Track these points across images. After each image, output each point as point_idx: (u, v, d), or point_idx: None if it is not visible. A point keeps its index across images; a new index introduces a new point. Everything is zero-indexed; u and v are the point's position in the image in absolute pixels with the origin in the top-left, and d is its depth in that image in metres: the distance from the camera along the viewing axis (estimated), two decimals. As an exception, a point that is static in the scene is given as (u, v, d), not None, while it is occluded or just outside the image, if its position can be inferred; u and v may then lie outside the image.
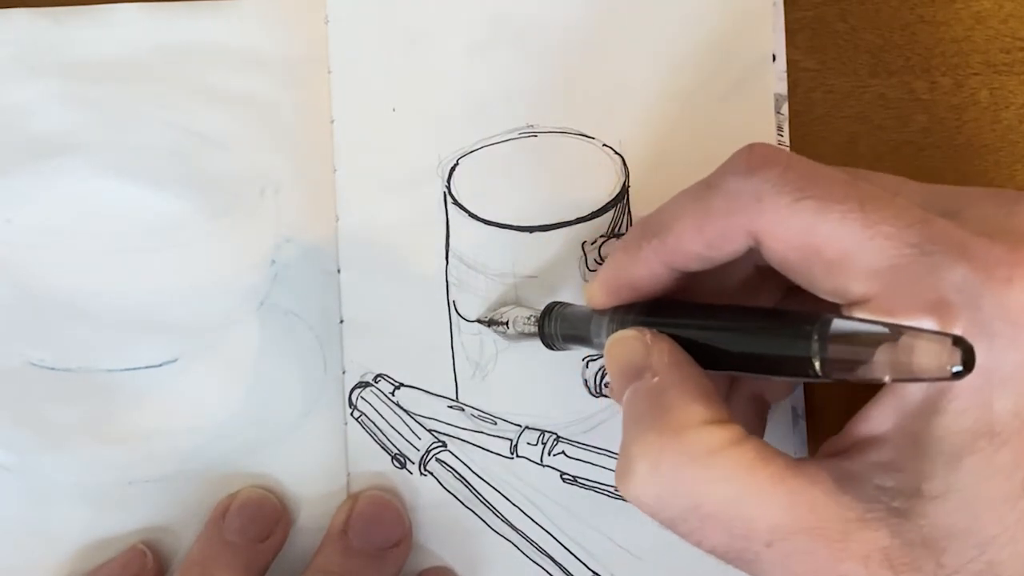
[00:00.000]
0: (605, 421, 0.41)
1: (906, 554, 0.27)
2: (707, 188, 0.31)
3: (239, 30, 0.41)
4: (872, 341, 0.25)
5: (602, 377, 0.41)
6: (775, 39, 0.41)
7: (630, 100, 0.41)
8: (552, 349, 0.38)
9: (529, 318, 0.39)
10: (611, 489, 0.41)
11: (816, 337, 0.26)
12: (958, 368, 0.23)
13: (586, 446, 0.41)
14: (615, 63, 0.41)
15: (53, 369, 0.41)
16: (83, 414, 0.41)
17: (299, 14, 0.41)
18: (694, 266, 0.32)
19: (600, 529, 0.41)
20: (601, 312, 0.34)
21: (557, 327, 0.38)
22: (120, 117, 0.41)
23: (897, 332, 0.25)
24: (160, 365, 0.41)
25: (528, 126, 0.41)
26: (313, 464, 0.41)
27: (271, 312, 0.41)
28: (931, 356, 0.24)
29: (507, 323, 0.40)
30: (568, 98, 0.41)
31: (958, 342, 0.24)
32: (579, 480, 0.41)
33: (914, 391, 0.27)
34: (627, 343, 0.33)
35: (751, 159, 0.30)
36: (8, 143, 0.41)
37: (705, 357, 0.31)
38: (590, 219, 0.41)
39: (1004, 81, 0.41)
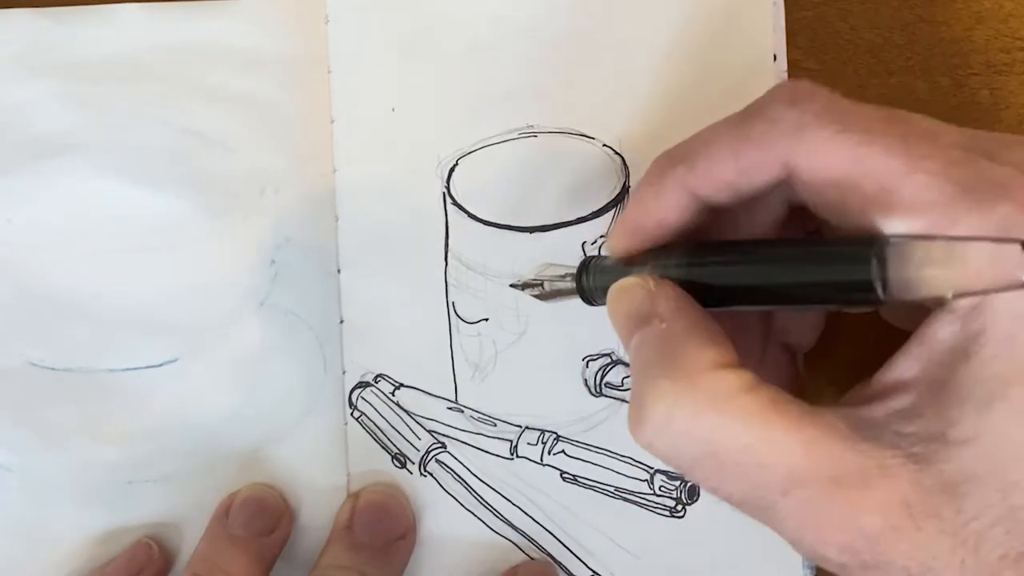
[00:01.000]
0: (605, 420, 0.41)
1: (926, 501, 0.26)
2: (747, 115, 0.30)
3: (239, 30, 0.41)
4: (933, 258, 0.24)
5: (602, 377, 0.41)
6: (775, 39, 0.41)
7: (630, 100, 0.41)
8: (592, 304, 0.36)
9: (565, 276, 0.37)
10: (611, 488, 0.41)
11: (875, 259, 0.25)
12: None
13: (586, 445, 0.41)
14: (615, 63, 0.41)
15: (53, 369, 0.41)
16: (83, 414, 0.41)
17: (299, 14, 0.41)
18: (721, 196, 0.31)
19: (600, 529, 0.41)
20: (642, 261, 0.33)
21: (596, 280, 0.35)
22: (120, 117, 0.41)
23: (959, 244, 0.24)
24: (160, 365, 0.41)
25: (528, 126, 0.41)
26: (313, 464, 0.41)
27: (271, 312, 0.41)
28: (997, 265, 0.23)
29: (542, 283, 0.38)
30: (568, 98, 0.41)
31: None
32: (579, 479, 0.41)
33: (943, 338, 0.27)
34: (630, 291, 0.32)
35: (795, 90, 0.29)
36: (8, 143, 0.41)
37: (755, 294, 0.30)
38: (590, 219, 0.41)
39: (1004, 81, 0.41)
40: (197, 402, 0.41)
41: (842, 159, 0.28)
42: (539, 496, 0.41)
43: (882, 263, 0.25)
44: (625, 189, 0.41)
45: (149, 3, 0.41)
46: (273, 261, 0.41)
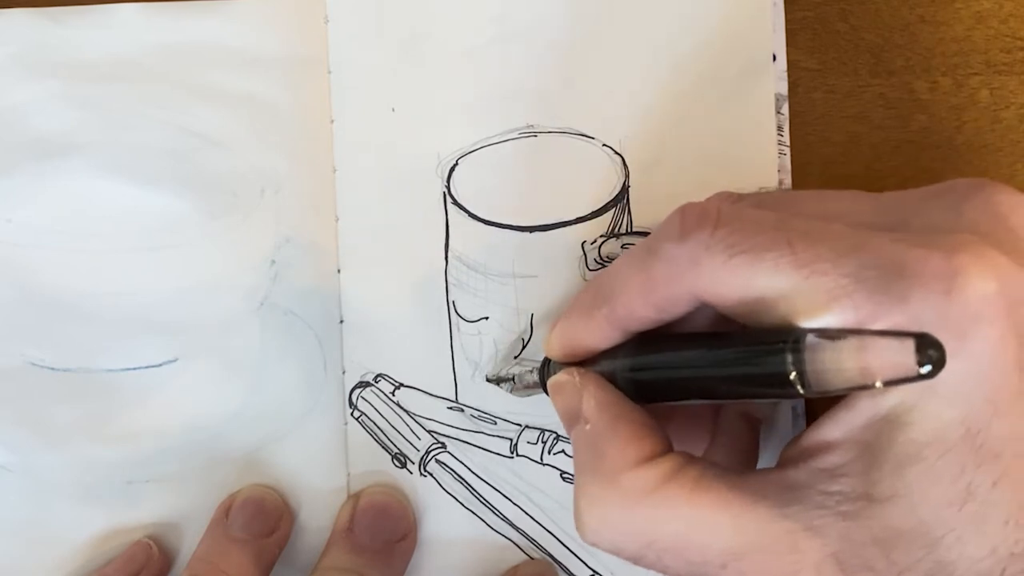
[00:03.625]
0: (605, 421, 0.41)
1: (857, 555, 0.27)
2: (647, 255, 0.31)
3: (239, 30, 0.41)
4: (843, 350, 0.25)
5: None
6: (775, 39, 0.41)
7: (630, 100, 0.41)
8: None
9: (532, 371, 0.39)
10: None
11: (790, 352, 0.26)
12: (927, 367, 0.24)
13: (586, 446, 0.41)
14: (615, 63, 0.41)
15: (53, 369, 0.41)
16: (83, 414, 0.41)
17: (299, 14, 0.41)
18: (648, 327, 0.33)
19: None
20: (592, 359, 0.35)
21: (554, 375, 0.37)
22: (120, 117, 0.41)
23: (865, 338, 0.25)
24: (160, 365, 0.41)
25: (528, 126, 0.41)
26: (313, 464, 0.41)
27: (271, 312, 0.41)
28: (901, 357, 0.24)
29: (512, 378, 0.40)
30: (568, 98, 0.41)
31: (923, 342, 0.24)
32: (579, 480, 0.41)
33: (865, 403, 0.28)
34: (562, 388, 0.34)
35: (684, 222, 0.30)
36: (8, 143, 0.41)
37: (690, 390, 0.31)
38: (590, 219, 0.41)
39: (1004, 81, 0.41)
40: (197, 402, 0.41)
41: (738, 283, 0.29)
42: (539, 495, 0.41)
43: (797, 356, 0.26)
44: (625, 189, 0.41)
45: (149, 3, 0.41)
46: (273, 261, 0.41)
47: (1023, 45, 0.41)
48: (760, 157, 0.41)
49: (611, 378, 0.33)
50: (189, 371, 0.41)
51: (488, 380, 0.41)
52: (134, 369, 0.41)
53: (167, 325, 0.41)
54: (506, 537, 0.41)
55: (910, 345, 0.24)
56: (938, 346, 0.24)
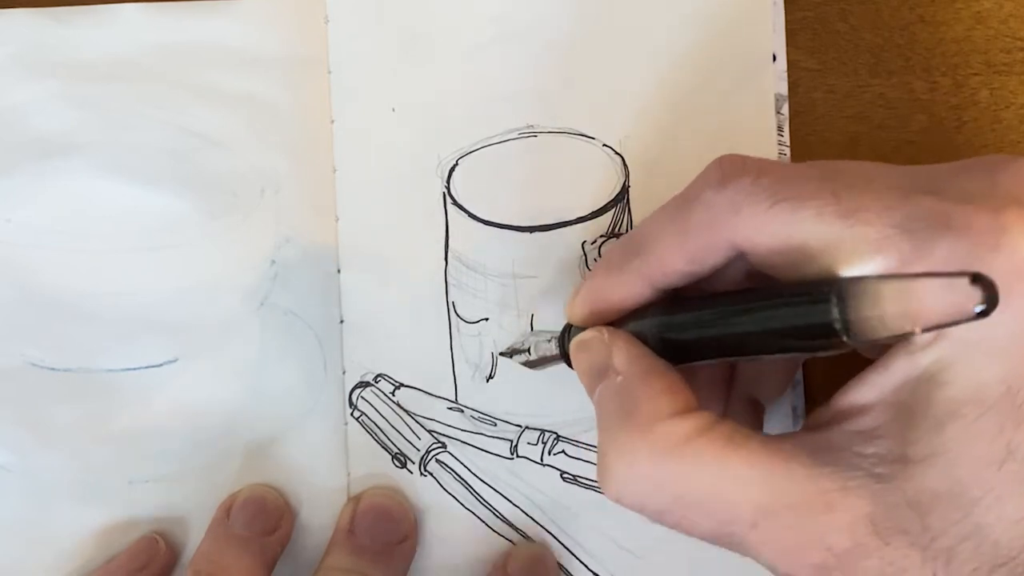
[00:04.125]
0: (605, 421, 0.41)
1: (891, 517, 0.27)
2: (684, 203, 0.31)
3: (239, 30, 0.41)
4: (890, 295, 0.25)
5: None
6: (775, 39, 0.41)
7: (630, 100, 0.41)
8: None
9: (549, 340, 0.38)
10: (611, 489, 0.41)
11: (835, 300, 0.26)
12: (980, 307, 0.23)
13: (586, 445, 0.41)
14: (615, 63, 0.41)
15: (53, 369, 0.41)
16: (83, 414, 0.41)
17: (299, 14, 0.41)
18: (679, 282, 0.32)
19: (600, 529, 0.41)
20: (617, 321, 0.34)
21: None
22: (120, 117, 0.41)
23: (915, 280, 0.25)
24: (160, 365, 0.41)
25: (528, 126, 0.41)
26: (313, 464, 0.41)
27: (271, 312, 0.41)
28: (952, 298, 0.24)
29: (528, 349, 0.39)
30: (568, 98, 0.41)
31: (977, 279, 0.23)
32: (579, 479, 0.41)
33: (900, 363, 0.27)
34: (588, 345, 0.33)
35: (724, 170, 0.30)
36: (8, 143, 0.41)
37: (723, 346, 0.31)
38: (590, 219, 0.41)
39: (1004, 81, 0.41)
40: (197, 402, 0.41)
41: (780, 231, 0.28)
42: (539, 496, 0.41)
43: (842, 304, 0.25)
44: (625, 189, 0.41)
45: (149, 3, 0.41)
46: (273, 261, 0.41)
47: (1023, 45, 0.41)
48: (760, 157, 0.41)
49: (639, 339, 0.33)
50: (189, 371, 0.41)
51: (503, 354, 0.41)
52: (134, 369, 0.41)
53: (167, 325, 0.41)
54: (506, 538, 0.41)
55: (963, 284, 0.23)
56: (991, 285, 0.23)
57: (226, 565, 0.38)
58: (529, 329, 0.41)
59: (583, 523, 0.41)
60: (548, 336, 0.38)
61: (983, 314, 0.23)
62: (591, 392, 0.33)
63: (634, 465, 0.30)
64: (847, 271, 0.27)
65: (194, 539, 0.40)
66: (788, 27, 0.41)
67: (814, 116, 0.41)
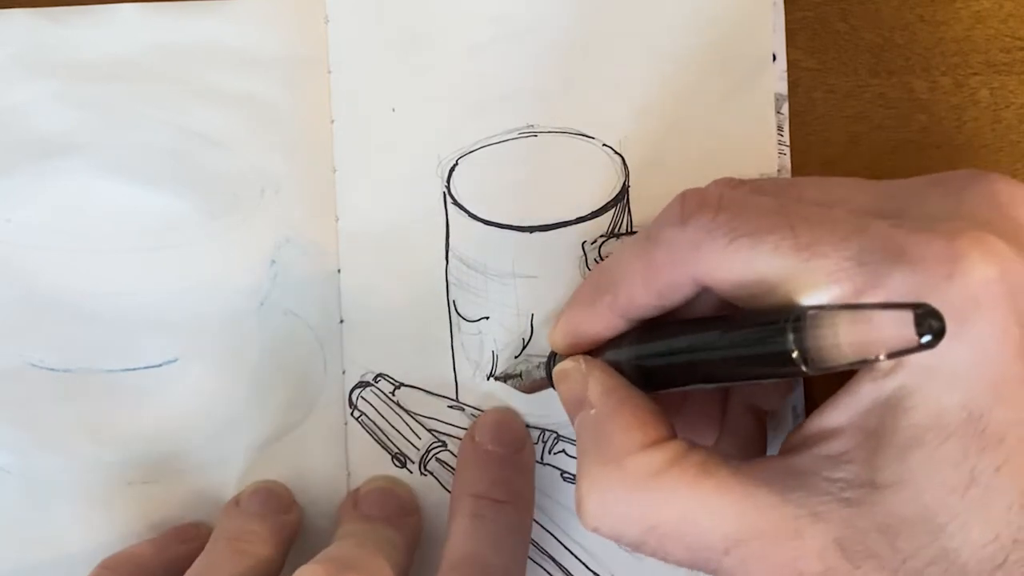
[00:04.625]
0: (605, 421, 0.41)
1: (861, 541, 0.27)
2: (647, 241, 0.32)
3: (239, 30, 0.41)
4: (842, 324, 0.25)
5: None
6: (775, 39, 0.41)
7: (630, 100, 0.41)
8: None
9: (539, 365, 0.39)
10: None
11: (791, 329, 0.26)
12: (928, 337, 0.24)
13: (586, 446, 0.41)
14: (615, 63, 0.41)
15: (53, 370, 0.41)
16: (83, 414, 0.41)
17: (299, 14, 0.41)
18: (649, 314, 0.33)
19: (600, 529, 0.41)
20: (597, 349, 0.35)
21: None
22: (120, 117, 0.41)
23: (865, 312, 0.25)
24: (160, 365, 0.41)
25: (528, 126, 0.41)
26: (313, 464, 0.41)
27: (271, 312, 0.41)
28: (901, 328, 0.24)
29: (520, 374, 0.40)
30: (568, 98, 0.41)
31: (922, 312, 0.24)
32: (579, 480, 0.41)
33: (867, 387, 0.28)
34: (567, 375, 0.34)
35: (684, 207, 0.31)
36: (8, 143, 0.41)
37: (693, 375, 0.32)
38: (590, 219, 0.41)
39: (1004, 81, 0.41)
40: (197, 402, 0.41)
41: (740, 267, 0.29)
42: (539, 496, 0.41)
43: (797, 334, 0.26)
44: (625, 189, 0.41)
45: (148, 3, 0.41)
46: (273, 261, 0.41)
47: (1023, 45, 0.41)
48: (760, 157, 0.41)
49: (617, 367, 0.34)
50: (189, 371, 0.41)
51: (496, 378, 0.41)
52: (134, 369, 0.41)
53: (167, 325, 0.41)
54: (506, 537, 0.41)
55: (909, 316, 0.24)
56: (937, 315, 0.24)
57: (250, 529, 0.38)
58: (530, 328, 0.41)
59: (583, 523, 0.41)
60: (538, 363, 0.39)
61: (929, 345, 0.24)
62: (572, 421, 0.34)
63: (607, 498, 0.31)
64: (804, 302, 0.28)
65: (194, 539, 0.40)
66: (788, 27, 0.41)
67: (814, 116, 0.41)
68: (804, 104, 0.41)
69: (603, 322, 0.34)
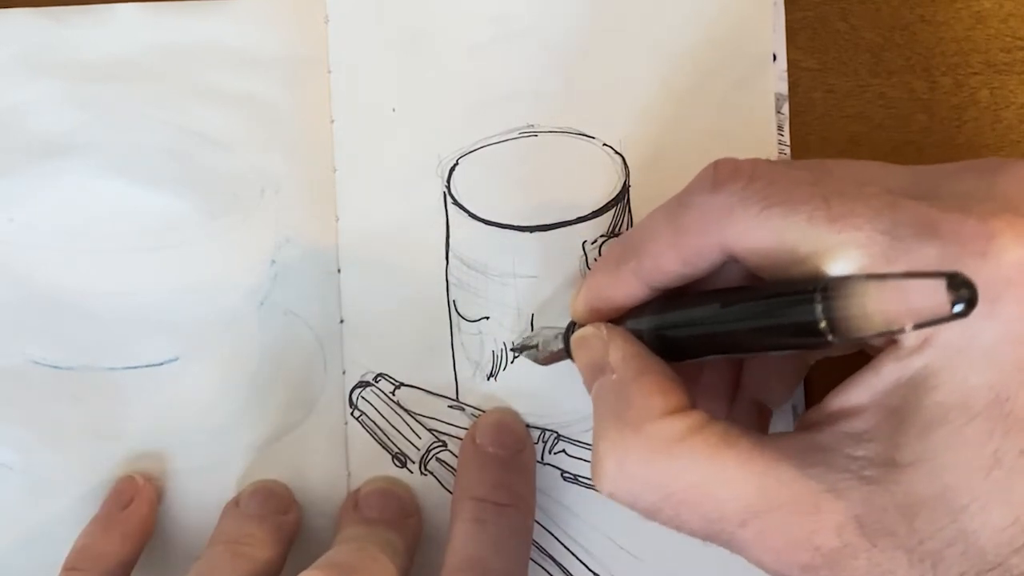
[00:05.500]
0: (605, 421, 0.41)
1: (879, 520, 0.27)
2: (678, 206, 0.31)
3: (239, 30, 0.41)
4: (872, 294, 0.25)
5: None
6: (775, 39, 0.41)
7: (630, 100, 0.41)
8: None
9: (556, 336, 0.38)
10: (611, 488, 0.41)
11: (819, 299, 0.26)
12: (960, 306, 0.23)
13: (587, 445, 0.41)
14: (615, 63, 0.41)
15: (55, 368, 0.41)
16: (85, 412, 0.41)
17: (299, 14, 0.41)
18: (675, 283, 0.32)
19: (600, 529, 0.41)
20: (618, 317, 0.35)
21: None
22: (120, 117, 0.41)
23: (895, 281, 0.25)
24: (161, 364, 0.41)
25: (528, 126, 0.41)
26: (313, 464, 0.41)
27: (271, 312, 0.41)
28: (932, 298, 0.24)
29: (537, 345, 0.39)
30: (568, 98, 0.41)
31: (955, 280, 0.23)
32: (580, 479, 0.41)
33: (890, 366, 0.28)
34: (587, 341, 0.34)
35: (717, 174, 0.30)
36: (9, 143, 0.41)
37: (715, 343, 0.31)
38: (590, 219, 0.41)
39: (1004, 81, 0.41)
40: (197, 401, 0.41)
41: (770, 235, 0.29)
42: (540, 496, 0.41)
43: (827, 304, 0.26)
44: (625, 189, 0.41)
45: (149, 3, 0.41)
46: (273, 261, 0.41)
47: (1023, 45, 0.41)
48: (760, 157, 0.41)
49: (637, 336, 0.33)
50: (189, 371, 0.41)
51: (513, 350, 0.41)
52: (135, 368, 0.41)
53: (167, 325, 0.41)
54: (506, 536, 0.41)
55: (941, 284, 0.24)
56: (970, 284, 0.23)
57: (249, 531, 0.38)
58: (530, 328, 0.41)
59: (583, 523, 0.41)
60: (555, 333, 0.38)
61: (961, 314, 0.23)
62: (589, 388, 0.33)
63: (625, 463, 0.30)
64: (833, 273, 0.27)
65: (195, 537, 0.40)
66: (788, 27, 0.41)
67: (814, 116, 0.41)
68: (804, 104, 0.41)
69: (627, 288, 0.34)
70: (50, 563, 0.40)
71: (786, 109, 0.41)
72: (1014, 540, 0.27)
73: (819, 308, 0.26)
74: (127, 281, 0.41)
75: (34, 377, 0.41)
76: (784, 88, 0.41)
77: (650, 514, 0.30)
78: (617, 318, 0.35)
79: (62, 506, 0.41)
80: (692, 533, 0.30)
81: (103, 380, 0.41)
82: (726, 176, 0.30)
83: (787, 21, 0.41)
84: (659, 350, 0.33)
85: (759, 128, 0.41)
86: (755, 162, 0.31)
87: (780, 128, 0.41)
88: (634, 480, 0.30)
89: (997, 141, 0.41)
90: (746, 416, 0.37)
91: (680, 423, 0.30)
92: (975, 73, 0.41)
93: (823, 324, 0.26)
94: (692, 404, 0.31)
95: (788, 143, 0.41)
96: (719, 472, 0.29)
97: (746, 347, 0.31)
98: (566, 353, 0.37)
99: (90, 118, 0.41)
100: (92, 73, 0.41)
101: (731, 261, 0.31)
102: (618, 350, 0.32)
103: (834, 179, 0.29)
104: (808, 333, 0.26)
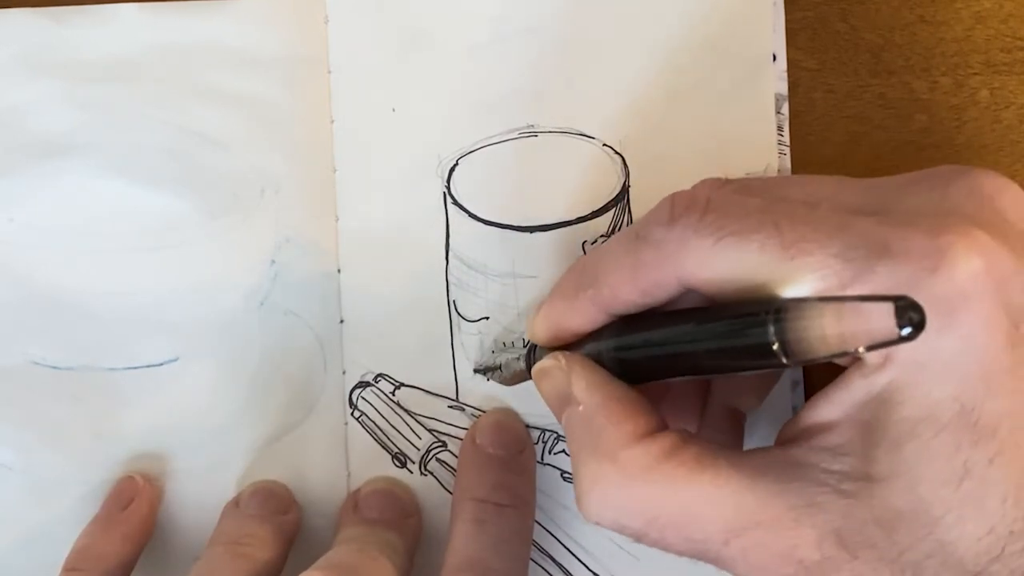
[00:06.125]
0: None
1: (858, 532, 0.27)
2: (635, 239, 0.32)
3: (239, 30, 0.41)
4: (822, 317, 0.25)
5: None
6: (775, 39, 0.41)
7: (630, 100, 0.41)
8: None
9: (518, 358, 0.39)
10: (611, 488, 0.41)
11: (771, 320, 0.26)
12: (907, 329, 0.24)
13: (586, 445, 0.41)
14: (615, 63, 0.41)
15: (55, 368, 0.41)
16: (85, 412, 0.41)
17: (299, 14, 0.41)
18: (632, 311, 0.33)
19: (600, 529, 0.40)
20: (577, 343, 0.35)
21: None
22: (120, 117, 0.41)
23: (845, 304, 0.25)
24: (161, 364, 0.41)
25: (528, 126, 0.41)
26: (313, 464, 0.41)
27: (271, 312, 0.41)
28: (882, 321, 0.24)
29: (499, 367, 0.40)
30: (568, 98, 0.41)
31: (901, 304, 0.24)
32: (579, 479, 0.41)
33: (858, 382, 0.28)
34: (549, 373, 0.34)
35: (673, 208, 0.31)
36: (9, 143, 0.41)
37: (673, 366, 0.32)
38: (590, 219, 0.41)
39: (1004, 81, 0.41)
40: (197, 402, 0.41)
41: (726, 266, 0.29)
42: (539, 496, 0.41)
43: (779, 326, 0.26)
44: (625, 189, 0.41)
45: (149, 3, 0.41)
46: (273, 261, 0.41)
47: (1023, 45, 0.41)
48: (760, 157, 0.41)
49: (597, 360, 0.33)
50: (189, 371, 0.41)
51: (476, 371, 0.41)
52: (135, 368, 0.41)
53: (167, 325, 0.41)
54: (506, 537, 0.41)
55: (889, 309, 0.24)
56: (917, 308, 0.24)
57: (249, 532, 0.38)
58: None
59: (583, 523, 0.40)
60: (517, 355, 0.39)
61: (909, 337, 0.24)
62: (557, 417, 0.34)
63: (606, 492, 0.31)
64: (787, 296, 0.28)
65: (195, 537, 0.40)
66: (788, 27, 0.41)
67: (814, 116, 0.41)
68: (804, 104, 0.41)
69: (584, 315, 0.34)
70: (50, 563, 0.40)
71: (786, 109, 0.41)
72: (991, 549, 0.27)
73: (771, 330, 0.26)
74: (127, 281, 0.41)
75: (34, 377, 0.41)
76: (784, 88, 0.41)
77: (637, 538, 0.31)
78: (576, 341, 0.35)
79: (62, 506, 0.41)
80: (679, 553, 0.31)
81: (103, 380, 0.41)
82: (681, 209, 0.30)
83: (787, 21, 0.41)
84: (619, 373, 0.33)
85: (759, 128, 0.41)
86: (710, 191, 0.31)
87: (780, 128, 0.41)
88: (616, 508, 0.31)
89: (997, 141, 0.41)
90: (719, 422, 0.37)
91: (654, 447, 0.30)
92: (975, 73, 0.41)
93: (776, 346, 0.26)
94: (662, 424, 0.31)
95: (788, 143, 0.41)
96: (697, 495, 0.29)
97: (704, 369, 0.31)
98: (529, 375, 0.37)
99: (90, 118, 0.41)
100: (92, 73, 0.41)
101: (690, 291, 0.31)
102: (580, 379, 0.33)
103: (786, 202, 0.30)
104: (762, 355, 0.26)
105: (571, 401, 0.33)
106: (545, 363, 0.35)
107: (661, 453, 0.30)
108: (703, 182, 0.34)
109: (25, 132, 0.41)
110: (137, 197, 0.41)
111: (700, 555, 0.30)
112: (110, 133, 0.41)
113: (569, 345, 0.35)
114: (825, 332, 0.25)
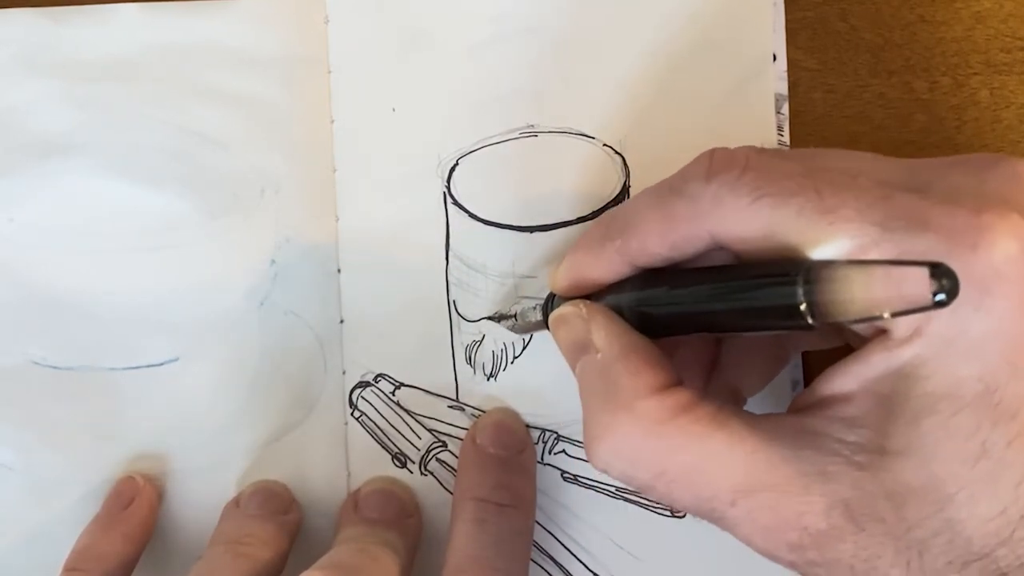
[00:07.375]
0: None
1: (867, 505, 0.27)
2: (669, 192, 0.31)
3: (239, 30, 0.41)
4: (854, 280, 0.25)
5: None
6: (775, 39, 0.41)
7: (630, 100, 0.41)
8: None
9: (535, 307, 0.38)
10: (612, 489, 0.41)
11: (801, 281, 0.26)
12: (941, 296, 0.23)
13: (586, 445, 0.41)
14: (615, 63, 0.41)
15: (55, 368, 0.41)
16: (85, 413, 0.41)
17: (299, 14, 0.41)
18: (658, 264, 0.32)
19: (600, 529, 0.41)
20: (598, 293, 0.35)
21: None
22: (120, 117, 0.41)
23: (879, 267, 0.25)
24: (161, 364, 0.41)
25: (528, 126, 0.41)
26: (313, 464, 0.41)
27: (271, 312, 0.41)
28: (914, 287, 0.24)
29: (515, 315, 0.40)
30: (568, 98, 0.41)
31: (937, 270, 0.24)
32: (580, 479, 0.41)
33: (879, 356, 0.28)
34: (567, 320, 0.34)
35: (711, 164, 0.30)
36: (8, 143, 0.41)
37: (695, 321, 0.31)
38: (590, 219, 0.41)
39: (1004, 81, 0.41)
40: (197, 402, 0.41)
41: (760, 225, 0.29)
42: (540, 496, 0.41)
43: (808, 287, 0.26)
44: (625, 189, 0.41)
45: (148, 3, 0.41)
46: (273, 261, 0.41)
47: (1023, 45, 0.41)
48: (750, 147, 0.41)
49: (617, 311, 0.33)
50: (189, 371, 0.41)
51: (490, 319, 0.41)
52: (135, 368, 0.41)
53: (167, 325, 0.41)
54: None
55: (924, 273, 0.24)
56: (952, 275, 0.24)
57: (250, 532, 0.38)
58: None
59: (583, 523, 0.41)
60: (534, 304, 0.39)
61: (942, 304, 0.24)
62: (572, 365, 0.33)
63: (619, 441, 0.30)
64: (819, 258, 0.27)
65: (195, 537, 0.41)
66: (788, 27, 0.41)
67: (814, 116, 0.41)
68: (804, 104, 0.41)
69: (609, 266, 0.33)
70: (50, 563, 0.40)
71: (786, 109, 0.41)
72: (1000, 531, 0.27)
73: (800, 291, 0.26)
74: (127, 281, 0.41)
75: (34, 377, 0.41)
76: (784, 88, 0.41)
77: (643, 491, 0.31)
78: (596, 293, 0.35)
79: (62, 506, 0.41)
80: (684, 509, 0.30)
81: (103, 380, 0.41)
82: (720, 166, 0.30)
83: (787, 21, 0.41)
84: (638, 326, 0.33)
85: (759, 128, 0.41)
86: (749, 152, 0.31)
87: (780, 128, 0.41)
88: (627, 458, 0.30)
89: (997, 141, 0.41)
90: (720, 399, 0.37)
91: (670, 401, 0.30)
92: (975, 73, 0.41)
93: (803, 306, 0.26)
94: (678, 379, 0.31)
95: (788, 143, 0.41)
96: (711, 452, 0.29)
97: (727, 326, 0.31)
98: (545, 325, 0.37)
99: (89, 118, 0.41)
100: (92, 73, 0.41)
101: (719, 248, 0.31)
102: (600, 328, 0.32)
103: (826, 170, 0.30)
104: (788, 315, 0.26)
105: (588, 349, 0.32)
106: (564, 309, 0.34)
107: (677, 407, 0.30)
108: (743, 147, 0.33)
109: (25, 132, 0.41)
110: (137, 197, 0.41)
111: (705, 513, 0.30)
112: (110, 133, 0.41)
113: (589, 296, 0.35)
114: (854, 295, 0.25)
